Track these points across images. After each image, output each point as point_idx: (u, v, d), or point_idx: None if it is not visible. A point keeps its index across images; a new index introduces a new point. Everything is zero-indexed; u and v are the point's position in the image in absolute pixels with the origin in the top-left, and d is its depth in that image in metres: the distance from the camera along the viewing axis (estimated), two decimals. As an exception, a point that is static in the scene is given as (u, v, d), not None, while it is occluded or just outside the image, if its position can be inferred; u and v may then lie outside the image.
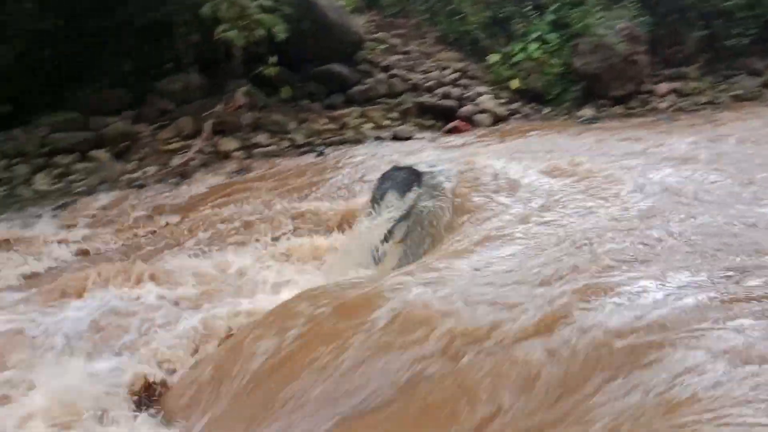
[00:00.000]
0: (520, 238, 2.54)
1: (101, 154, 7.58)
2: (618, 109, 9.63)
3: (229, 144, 8.00)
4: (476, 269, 2.25)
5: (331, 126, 8.81)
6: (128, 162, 7.53)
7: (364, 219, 4.24)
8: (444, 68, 10.26)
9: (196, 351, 2.85)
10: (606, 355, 1.59)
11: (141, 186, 6.83)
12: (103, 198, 6.27)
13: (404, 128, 8.79)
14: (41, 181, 7.16)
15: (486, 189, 3.26)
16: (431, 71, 10.16)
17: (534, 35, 10.26)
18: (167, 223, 5.40)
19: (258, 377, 2.16)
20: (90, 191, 6.75)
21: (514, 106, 9.65)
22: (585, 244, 2.30)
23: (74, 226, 5.32)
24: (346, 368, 1.94)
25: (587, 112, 9.52)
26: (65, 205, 6.17)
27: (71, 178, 7.19)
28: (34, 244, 4.73)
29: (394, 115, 9.16)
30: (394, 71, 9.98)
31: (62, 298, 3.43)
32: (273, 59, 8.36)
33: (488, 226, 2.73)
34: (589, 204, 2.86)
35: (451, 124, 8.85)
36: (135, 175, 7.23)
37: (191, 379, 2.50)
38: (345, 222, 4.69)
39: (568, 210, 2.85)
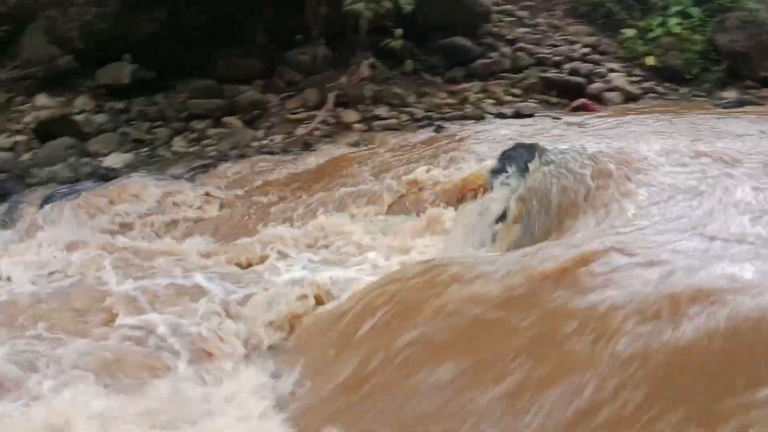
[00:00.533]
0: (651, 230, 2.40)
1: (233, 120, 8.02)
2: (767, 92, 8.79)
3: (350, 116, 8.19)
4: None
5: (451, 100, 8.74)
6: (257, 129, 7.91)
7: (481, 196, 4.21)
8: (573, 42, 9.82)
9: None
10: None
11: (268, 153, 7.16)
12: (234, 163, 6.64)
13: (527, 105, 8.54)
14: (179, 144, 7.70)
15: (615, 172, 3.11)
16: (559, 45, 9.76)
17: (675, 9, 9.55)
18: (291, 190, 5.65)
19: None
20: (222, 156, 7.17)
21: (648, 84, 9.08)
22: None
23: (210, 187, 5.70)
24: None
25: (730, 94, 8.77)
26: (200, 168, 6.63)
27: (205, 142, 7.67)
28: (180, 201, 5.18)
29: (517, 90, 8.92)
30: (520, 45, 9.69)
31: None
32: (399, 32, 8.39)
33: (618, 212, 2.61)
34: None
35: (577, 102, 8.48)
36: (263, 142, 7.59)
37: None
38: (461, 198, 4.67)
39: (705, 206, 2.65)
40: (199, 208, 5.31)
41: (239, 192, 5.68)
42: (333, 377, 2.20)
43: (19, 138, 7.51)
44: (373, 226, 4.51)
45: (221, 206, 5.35)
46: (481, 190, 4.45)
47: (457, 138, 6.85)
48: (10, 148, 7.34)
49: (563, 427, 1.54)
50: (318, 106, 8.27)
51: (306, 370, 2.37)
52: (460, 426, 1.69)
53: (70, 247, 4.13)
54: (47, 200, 5.51)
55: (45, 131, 7.42)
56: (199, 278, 3.26)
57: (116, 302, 3.01)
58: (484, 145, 6.24)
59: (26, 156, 7.14)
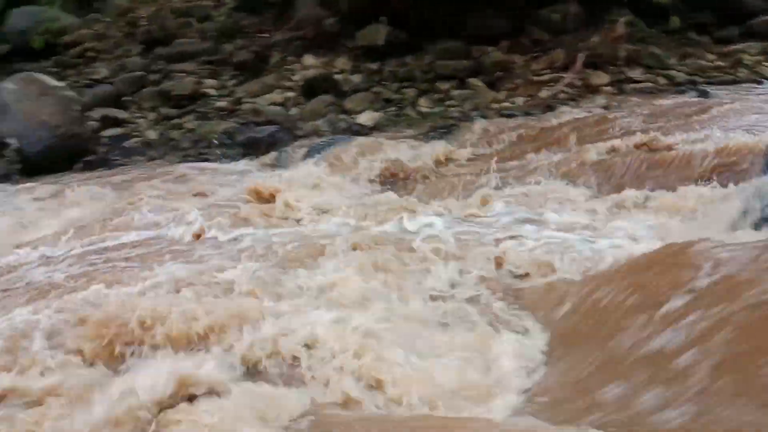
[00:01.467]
0: None
1: (477, 81, 8.07)
2: None
3: (599, 78, 7.73)
4: None
5: (721, 63, 7.79)
6: (500, 91, 7.87)
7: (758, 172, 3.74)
8: None
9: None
10: None
11: (509, 115, 7.10)
12: (476, 124, 6.69)
13: (821, 69, 7.25)
14: (424, 104, 7.99)
15: None
16: None
17: None
18: (525, 152, 5.57)
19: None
20: (464, 117, 7.29)
21: None
22: None
23: (450, 147, 5.87)
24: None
25: None
26: (441, 128, 6.85)
27: (449, 102, 7.86)
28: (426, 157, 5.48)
29: (809, 52, 7.61)
30: (819, -2, 8.20)
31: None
32: (669, -15, 7.64)
33: None
34: None
35: None
36: (504, 104, 7.54)
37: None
38: (727, 171, 4.19)
39: None
40: (440, 166, 5.51)
41: (479, 152, 5.75)
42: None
43: (289, 94, 8.44)
44: (610, 200, 4.26)
45: (459, 166, 5.49)
46: (750, 167, 3.96)
47: (724, 105, 6.11)
48: (282, 103, 8.28)
49: None
50: (565, 68, 7.94)
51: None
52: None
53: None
54: (311, 151, 6.17)
55: (310, 89, 8.23)
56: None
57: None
58: (759, 115, 5.48)
59: (294, 110, 8.00)
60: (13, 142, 6.73)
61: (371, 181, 5.20)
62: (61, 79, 8.25)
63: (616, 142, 4.94)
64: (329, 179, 5.11)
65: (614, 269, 2.81)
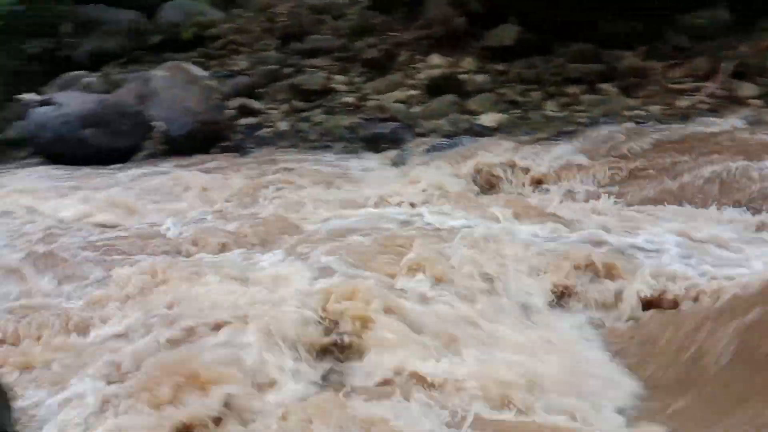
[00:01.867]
0: None
1: (608, 87, 7.76)
2: None
3: (747, 89, 7.21)
4: None
5: None
6: (633, 98, 7.52)
7: None
8: None
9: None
10: None
11: (641, 123, 6.72)
12: (605, 130, 6.32)
13: None
14: (550, 108, 7.78)
15: None
16: None
17: None
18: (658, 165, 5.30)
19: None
20: (591, 123, 6.99)
21: None
22: None
23: (584, 154, 5.68)
24: None
25: None
26: (570, 133, 6.61)
27: (576, 107, 7.59)
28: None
29: None
30: None
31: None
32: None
33: None
34: None
35: None
36: (637, 111, 7.17)
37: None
38: None
39: None
40: (564, 174, 5.38)
41: (609, 160, 5.51)
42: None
43: (412, 92, 8.52)
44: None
45: (584, 173, 5.32)
46: None
47: None
48: (405, 101, 8.39)
49: None
50: (707, 77, 7.48)
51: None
52: None
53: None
54: (431, 149, 6.24)
55: (434, 88, 8.28)
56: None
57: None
58: None
59: (417, 109, 8.08)
60: (160, 124, 7.36)
61: (486, 183, 5.19)
62: (205, 69, 8.86)
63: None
64: (444, 179, 5.17)
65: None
